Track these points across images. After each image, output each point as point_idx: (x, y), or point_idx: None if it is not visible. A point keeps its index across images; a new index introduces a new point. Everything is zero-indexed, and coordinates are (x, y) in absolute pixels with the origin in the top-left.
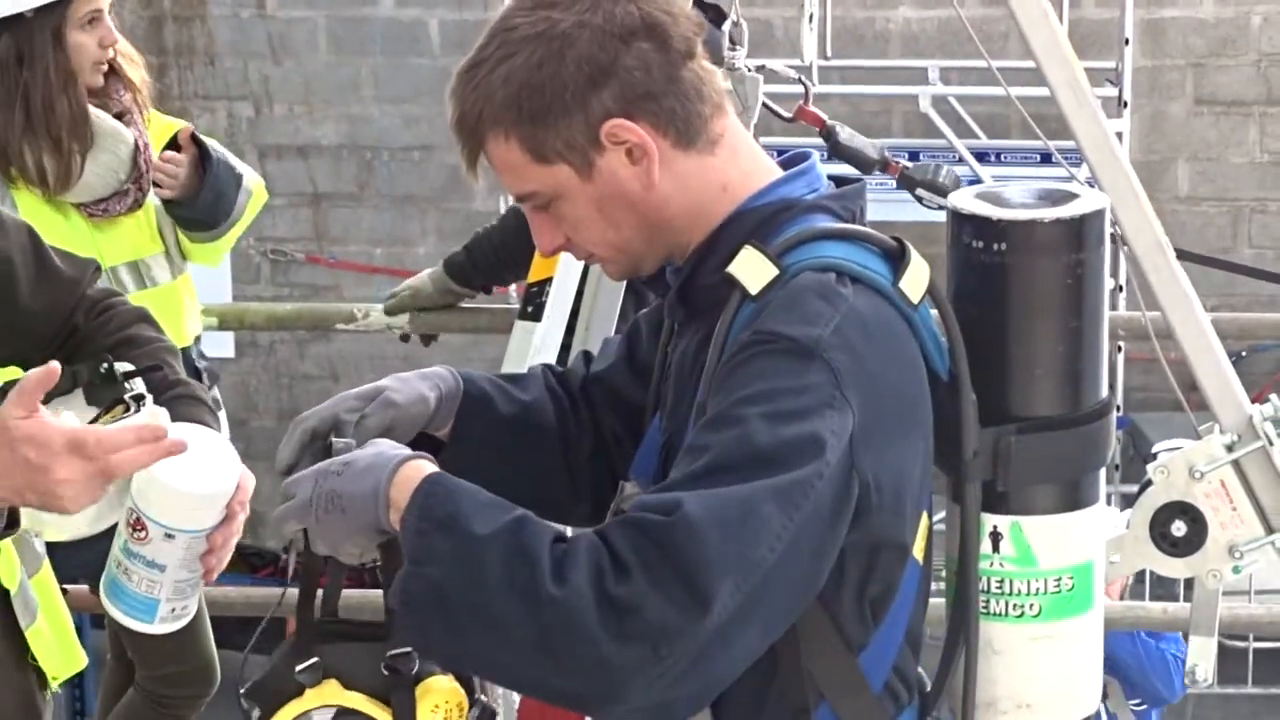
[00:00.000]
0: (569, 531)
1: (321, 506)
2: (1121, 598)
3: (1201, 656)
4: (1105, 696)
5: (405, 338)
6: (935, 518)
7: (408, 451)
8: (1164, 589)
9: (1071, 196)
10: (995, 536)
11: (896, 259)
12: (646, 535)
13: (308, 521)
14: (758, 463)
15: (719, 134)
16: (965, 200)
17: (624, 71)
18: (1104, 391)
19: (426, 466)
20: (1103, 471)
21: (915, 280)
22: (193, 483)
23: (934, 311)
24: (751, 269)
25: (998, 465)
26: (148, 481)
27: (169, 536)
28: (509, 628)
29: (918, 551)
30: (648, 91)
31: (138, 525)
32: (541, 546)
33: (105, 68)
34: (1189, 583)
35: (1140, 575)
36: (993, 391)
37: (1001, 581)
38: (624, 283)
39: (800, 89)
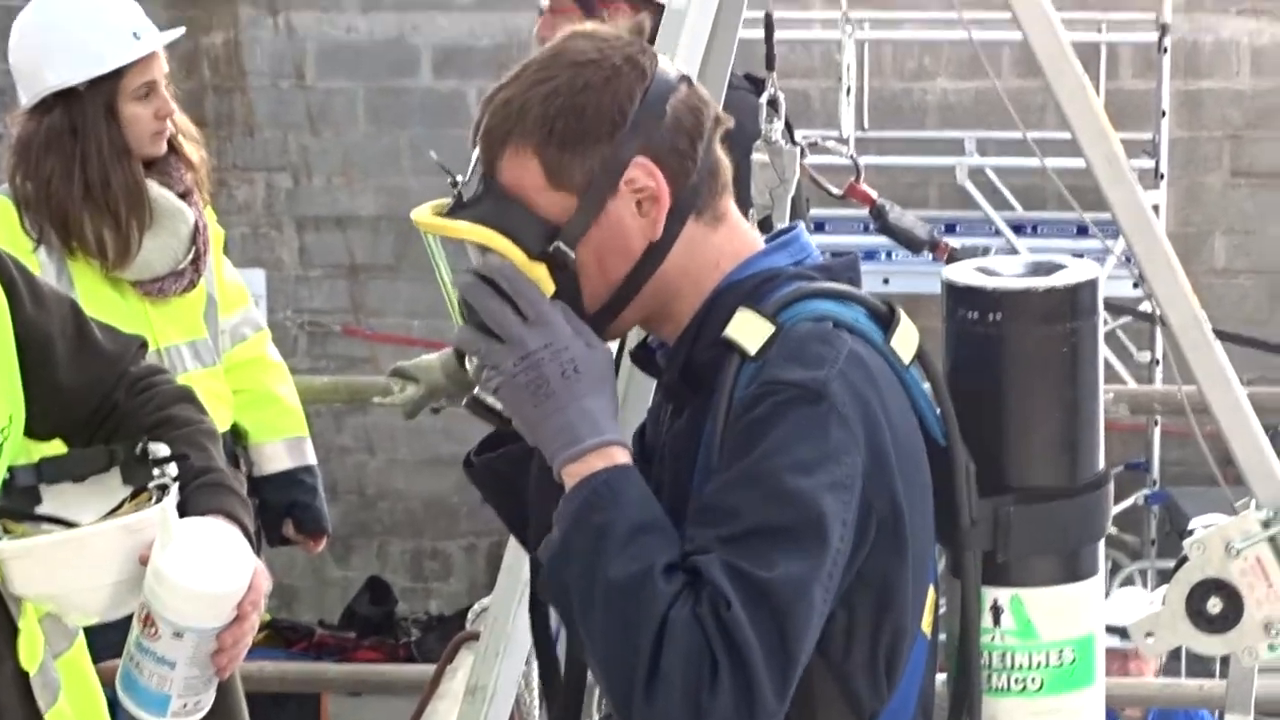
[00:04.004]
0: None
1: (529, 371)
2: (1157, 675)
3: None
4: None
5: (437, 410)
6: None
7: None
8: (1200, 666)
9: (1060, 267)
10: (996, 610)
11: (886, 320)
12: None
13: (497, 364)
14: (792, 526)
15: (723, 212)
16: (959, 273)
17: (658, 120)
18: (1101, 463)
19: (619, 455)
20: (1102, 544)
21: (905, 341)
22: (202, 581)
23: (926, 386)
24: (748, 330)
25: (997, 536)
26: (157, 578)
27: (178, 635)
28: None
29: (925, 625)
30: (674, 148)
31: (148, 621)
32: (649, 624)
33: (165, 137)
34: (1225, 660)
35: (1175, 652)
36: (991, 462)
37: (1004, 655)
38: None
39: (847, 163)
